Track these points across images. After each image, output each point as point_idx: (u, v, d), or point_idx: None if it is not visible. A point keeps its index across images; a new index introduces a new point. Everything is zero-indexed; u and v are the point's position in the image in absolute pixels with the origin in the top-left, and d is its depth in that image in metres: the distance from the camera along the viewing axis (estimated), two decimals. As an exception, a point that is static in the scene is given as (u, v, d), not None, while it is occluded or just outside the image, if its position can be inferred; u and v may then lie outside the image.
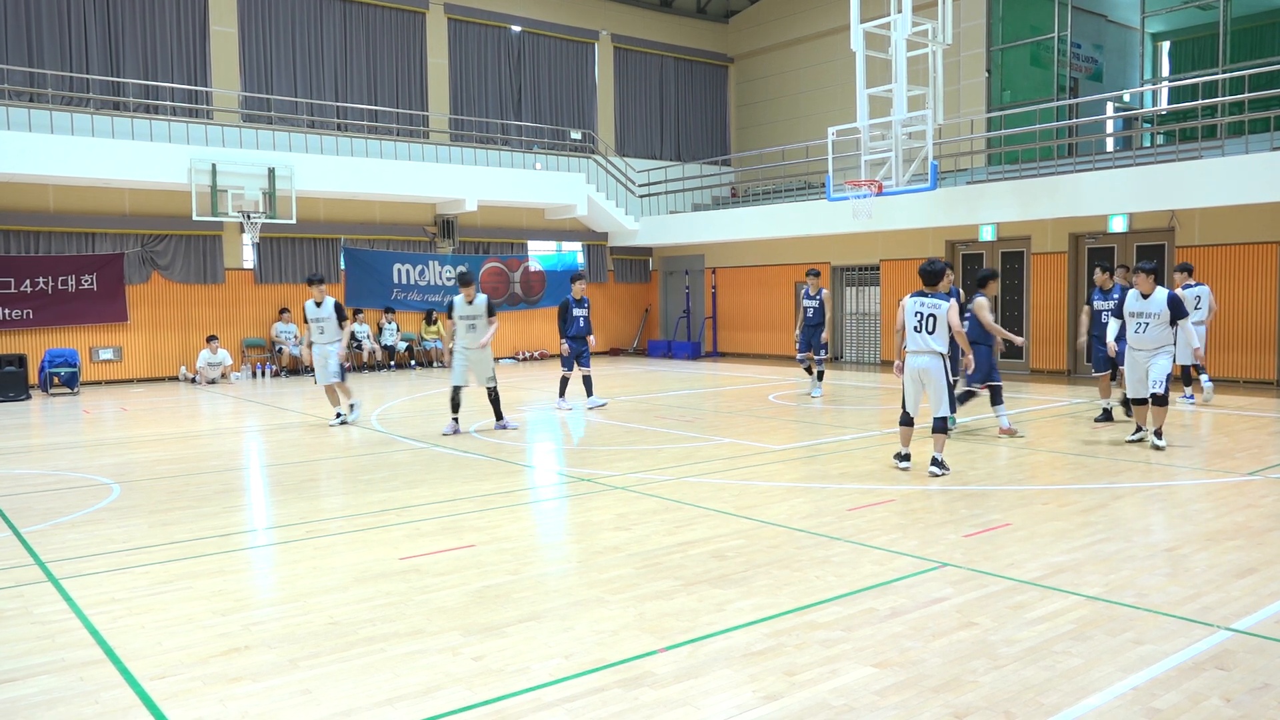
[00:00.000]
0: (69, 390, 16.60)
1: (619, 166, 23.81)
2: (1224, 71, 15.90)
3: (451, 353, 11.52)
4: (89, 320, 17.63)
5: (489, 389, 11.51)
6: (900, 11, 14.80)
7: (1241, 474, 8.14)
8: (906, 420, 8.50)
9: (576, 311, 13.23)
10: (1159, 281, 9.31)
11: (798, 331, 14.40)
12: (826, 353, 14.67)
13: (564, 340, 13.23)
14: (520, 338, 23.13)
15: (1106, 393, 11.27)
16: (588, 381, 13.49)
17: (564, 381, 13.44)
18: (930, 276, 8.38)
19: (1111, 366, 11.01)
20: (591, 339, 13.50)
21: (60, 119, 16.74)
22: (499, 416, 11.49)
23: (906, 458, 8.53)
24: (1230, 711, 3.65)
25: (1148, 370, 9.25)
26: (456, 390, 11.37)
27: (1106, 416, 11.19)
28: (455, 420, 11.33)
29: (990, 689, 3.88)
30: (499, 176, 20.95)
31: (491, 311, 11.48)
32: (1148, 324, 9.12)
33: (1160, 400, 9.17)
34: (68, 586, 5.45)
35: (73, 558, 6.06)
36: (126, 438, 11.46)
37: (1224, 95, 15.61)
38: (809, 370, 14.48)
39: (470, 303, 11.35)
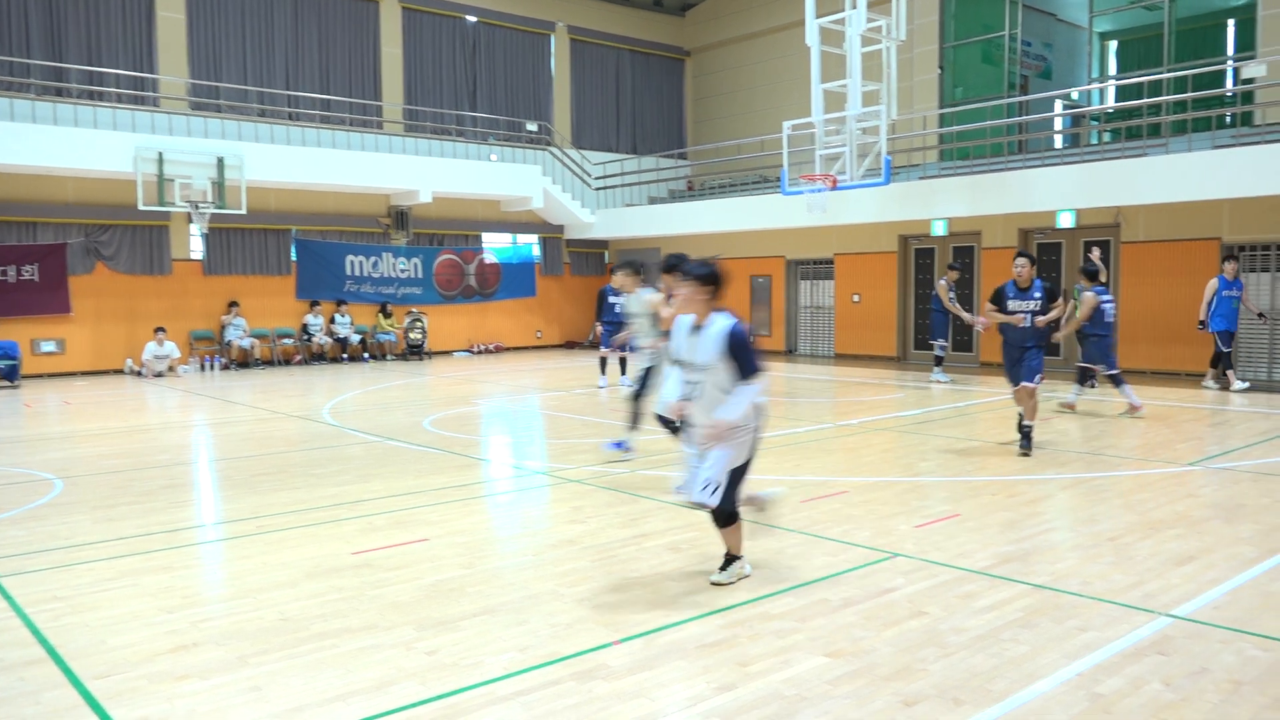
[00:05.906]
0: (9, 383, 16.16)
1: (575, 159, 23.73)
2: (1169, 71, 16.24)
3: None
4: (30, 312, 17.17)
5: None
6: (855, 8, 14.94)
7: (1182, 464, 8.35)
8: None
9: (612, 299, 14.28)
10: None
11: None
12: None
13: (597, 323, 14.79)
14: (475, 330, 22.97)
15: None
16: (623, 363, 15.15)
17: (602, 361, 15.14)
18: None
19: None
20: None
21: (-1, 104, 16.30)
22: None
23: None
24: (1170, 695, 3.75)
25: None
26: None
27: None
28: None
29: (940, 677, 3.94)
30: (454, 168, 20.76)
31: None
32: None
33: (723, 518, 5.15)
34: (7, 585, 5.31)
35: (13, 555, 5.90)
36: (70, 432, 11.20)
37: (1168, 94, 15.95)
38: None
39: None
